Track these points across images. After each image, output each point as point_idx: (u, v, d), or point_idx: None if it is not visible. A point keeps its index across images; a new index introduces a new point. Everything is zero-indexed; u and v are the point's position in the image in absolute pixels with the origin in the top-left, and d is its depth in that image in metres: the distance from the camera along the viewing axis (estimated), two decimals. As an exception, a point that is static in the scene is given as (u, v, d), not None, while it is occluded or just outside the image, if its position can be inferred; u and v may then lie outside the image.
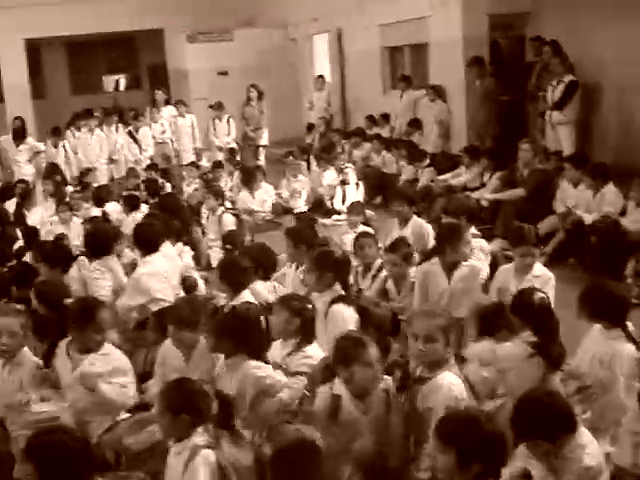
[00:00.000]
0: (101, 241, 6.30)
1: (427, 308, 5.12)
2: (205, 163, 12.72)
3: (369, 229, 7.34)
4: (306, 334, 4.55)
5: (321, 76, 15.53)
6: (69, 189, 10.99)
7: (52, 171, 11.78)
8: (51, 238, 8.21)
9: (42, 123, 16.96)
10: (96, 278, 6.01)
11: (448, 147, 11.80)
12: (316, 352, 4.60)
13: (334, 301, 5.03)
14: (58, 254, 6.50)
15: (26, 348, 4.67)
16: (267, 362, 4.37)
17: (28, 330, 4.72)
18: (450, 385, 3.88)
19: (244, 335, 4.31)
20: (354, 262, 6.00)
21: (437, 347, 3.95)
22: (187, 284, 6.58)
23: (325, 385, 4.05)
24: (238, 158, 12.75)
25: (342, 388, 3.95)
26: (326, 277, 5.12)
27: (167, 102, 14.39)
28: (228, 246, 6.67)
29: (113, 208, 9.61)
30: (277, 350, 4.61)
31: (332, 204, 10.57)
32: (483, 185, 9.59)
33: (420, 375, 4.01)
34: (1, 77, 18.04)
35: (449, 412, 3.45)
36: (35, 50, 19.51)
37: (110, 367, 4.45)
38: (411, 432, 3.97)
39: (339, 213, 10.09)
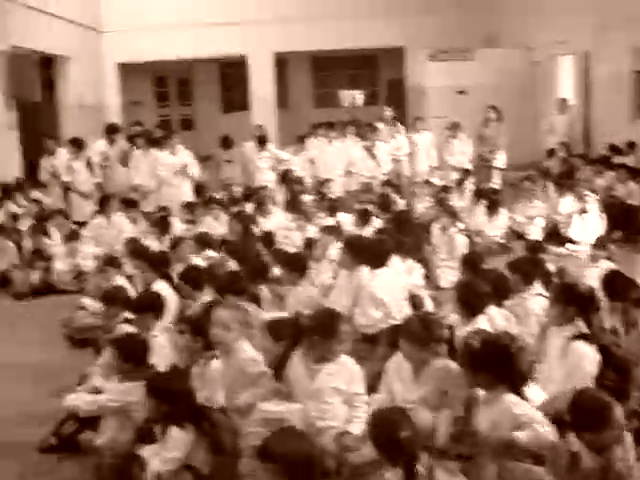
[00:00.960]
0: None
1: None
2: (438, 181, 12.65)
3: (612, 265, 6.90)
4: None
5: (564, 99, 14.97)
6: (306, 197, 11.36)
7: (290, 179, 12.25)
8: (287, 243, 8.54)
9: (284, 133, 17.79)
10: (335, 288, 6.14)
11: None
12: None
13: (575, 337, 4.76)
14: (296, 260, 6.72)
15: (241, 343, 4.84)
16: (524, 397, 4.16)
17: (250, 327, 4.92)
18: None
19: (504, 368, 4.11)
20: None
21: None
22: (415, 302, 6.53)
23: (560, 439, 3.82)
24: (472, 179, 12.57)
25: (580, 444, 3.71)
26: (568, 311, 4.85)
27: (395, 119, 14.43)
28: (467, 268, 6.51)
29: (345, 220, 9.80)
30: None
31: (569, 233, 10.07)
32: None
33: None
34: (250, 87, 19.13)
35: None
36: (282, 63, 20.48)
37: (347, 376, 4.51)
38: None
39: (576, 243, 9.60)
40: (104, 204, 10.56)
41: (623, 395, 4.66)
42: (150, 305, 5.66)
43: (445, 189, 11.55)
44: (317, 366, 4.55)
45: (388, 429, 3.64)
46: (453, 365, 4.54)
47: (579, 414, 3.72)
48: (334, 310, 4.99)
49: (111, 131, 12.30)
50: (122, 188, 11.79)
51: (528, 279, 6.02)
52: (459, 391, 4.44)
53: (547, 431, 3.85)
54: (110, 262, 7.83)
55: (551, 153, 14.05)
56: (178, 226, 9.75)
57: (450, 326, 5.19)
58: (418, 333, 4.53)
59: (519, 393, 4.08)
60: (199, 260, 7.71)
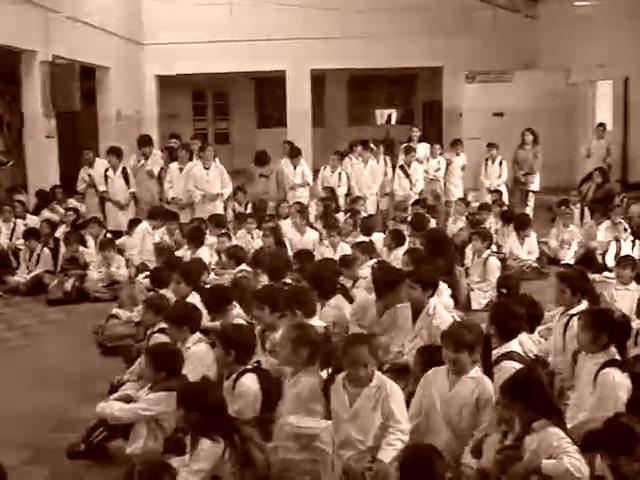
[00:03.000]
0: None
1: None
2: (472, 202, 12.59)
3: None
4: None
5: (602, 124, 14.87)
6: (340, 215, 11.36)
7: (326, 196, 12.23)
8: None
9: (319, 150, 17.86)
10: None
11: None
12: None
13: (606, 364, 4.69)
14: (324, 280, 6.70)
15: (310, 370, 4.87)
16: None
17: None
18: None
19: (539, 401, 4.04)
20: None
21: None
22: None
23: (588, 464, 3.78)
24: (506, 201, 12.49)
25: (607, 470, 3.67)
26: (601, 338, 4.79)
27: (421, 140, 14.35)
28: (503, 290, 6.46)
29: (378, 238, 9.79)
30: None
31: (604, 259, 9.96)
32: None
33: None
34: (287, 104, 19.21)
35: None
36: (319, 80, 20.56)
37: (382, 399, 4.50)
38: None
39: (610, 270, 9.48)
40: (155, 216, 10.62)
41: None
42: (186, 317, 5.68)
43: (480, 210, 11.47)
44: (355, 390, 4.56)
45: (421, 468, 3.59)
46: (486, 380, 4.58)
47: (609, 440, 3.67)
48: (355, 336, 5.04)
49: (145, 143, 12.31)
50: (156, 200, 11.88)
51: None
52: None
53: (571, 462, 3.79)
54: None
55: (588, 178, 13.92)
56: (211, 240, 9.78)
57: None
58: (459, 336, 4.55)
59: (560, 424, 4.01)
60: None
